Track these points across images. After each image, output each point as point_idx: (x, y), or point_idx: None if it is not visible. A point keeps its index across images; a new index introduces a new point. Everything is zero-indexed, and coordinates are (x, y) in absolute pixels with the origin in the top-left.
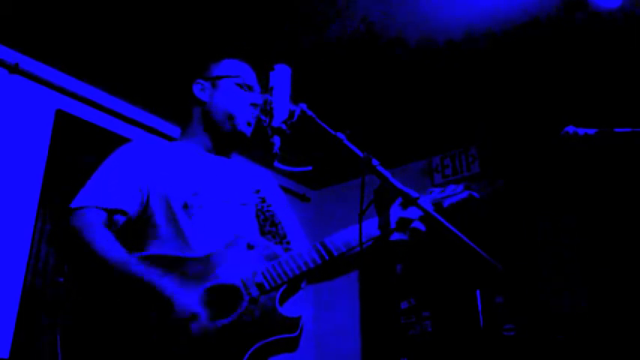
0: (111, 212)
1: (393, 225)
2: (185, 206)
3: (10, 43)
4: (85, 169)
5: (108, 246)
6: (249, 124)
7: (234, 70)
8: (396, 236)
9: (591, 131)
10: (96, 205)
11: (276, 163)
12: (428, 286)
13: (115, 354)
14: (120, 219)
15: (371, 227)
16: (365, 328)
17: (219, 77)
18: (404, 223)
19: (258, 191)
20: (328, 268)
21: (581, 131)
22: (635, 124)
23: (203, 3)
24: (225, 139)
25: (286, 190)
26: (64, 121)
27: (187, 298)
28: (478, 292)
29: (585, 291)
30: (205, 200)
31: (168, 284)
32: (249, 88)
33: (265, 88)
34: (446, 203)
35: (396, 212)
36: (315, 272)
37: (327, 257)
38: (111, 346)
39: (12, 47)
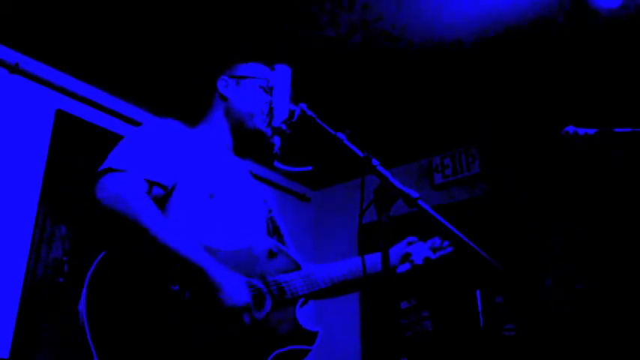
0: (152, 184)
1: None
2: (211, 196)
3: (10, 43)
4: (85, 169)
5: (152, 216)
6: (268, 126)
7: (259, 72)
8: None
9: (591, 131)
10: (139, 173)
11: (276, 163)
12: (428, 286)
13: (149, 336)
14: (157, 192)
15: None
16: (365, 328)
17: (243, 77)
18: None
19: (265, 201)
20: (342, 289)
21: (581, 131)
22: (635, 124)
23: (203, 3)
24: (245, 138)
25: (286, 190)
26: (64, 121)
27: (240, 286)
28: (478, 292)
29: (586, 291)
30: (228, 195)
31: (219, 267)
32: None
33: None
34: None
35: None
36: (326, 293)
37: (342, 280)
38: (144, 326)
39: (12, 47)
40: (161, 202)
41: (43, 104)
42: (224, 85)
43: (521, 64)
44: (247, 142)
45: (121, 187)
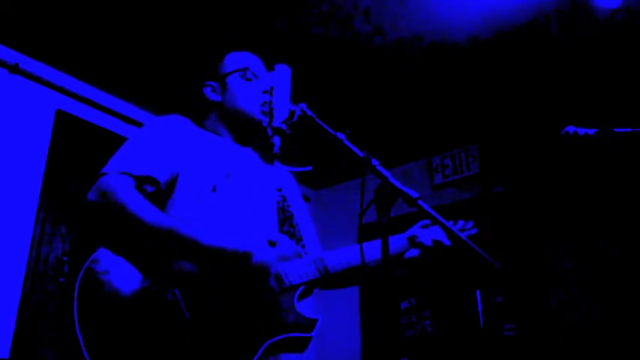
0: (139, 179)
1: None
2: (214, 189)
3: (10, 43)
4: (85, 169)
5: (141, 207)
6: (264, 113)
7: (238, 63)
8: (411, 253)
9: (591, 131)
10: (123, 171)
11: (276, 163)
12: (428, 286)
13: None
14: (148, 188)
15: (397, 243)
16: (365, 328)
17: (225, 75)
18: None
19: (280, 189)
20: (350, 277)
21: (581, 131)
22: (635, 124)
23: (202, 3)
24: (244, 132)
25: None
26: (64, 121)
27: (267, 248)
28: (478, 292)
29: (586, 291)
30: (233, 187)
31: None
32: (256, 77)
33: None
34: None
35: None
36: (335, 279)
37: (353, 265)
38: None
39: (12, 47)
40: (161, 199)
41: (43, 104)
42: (210, 90)
43: (521, 64)
44: (248, 135)
45: (103, 190)
